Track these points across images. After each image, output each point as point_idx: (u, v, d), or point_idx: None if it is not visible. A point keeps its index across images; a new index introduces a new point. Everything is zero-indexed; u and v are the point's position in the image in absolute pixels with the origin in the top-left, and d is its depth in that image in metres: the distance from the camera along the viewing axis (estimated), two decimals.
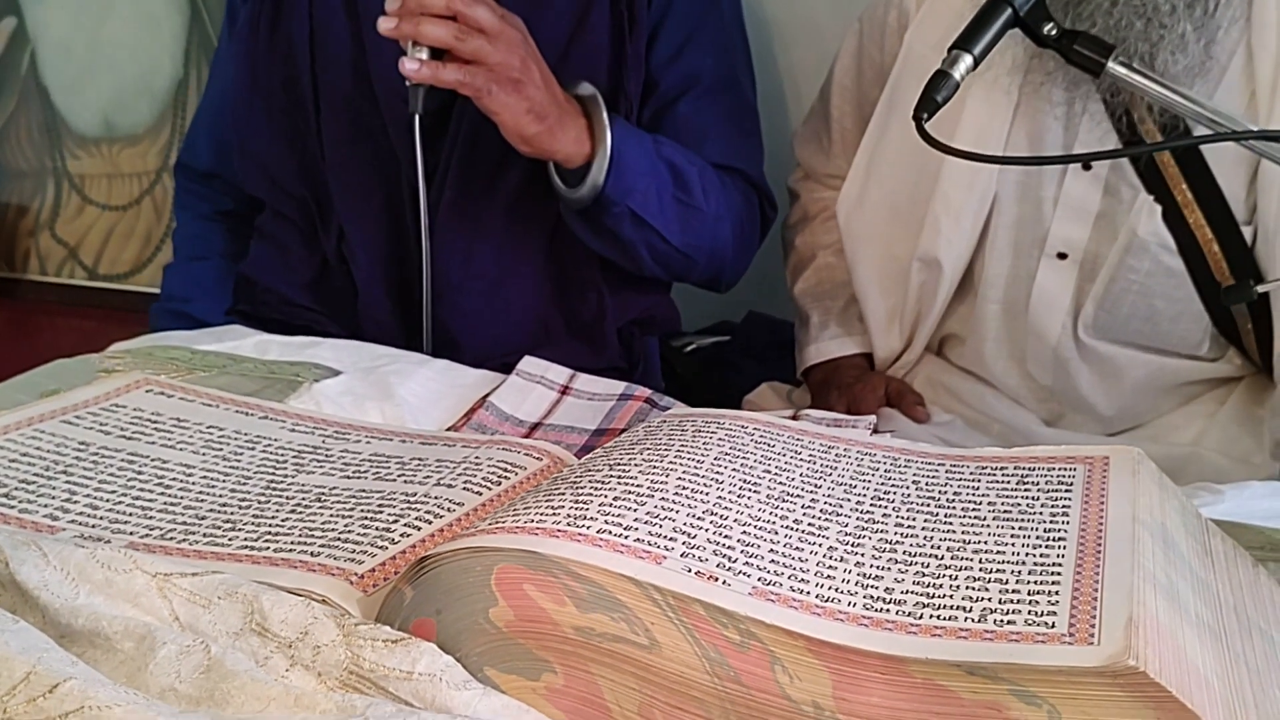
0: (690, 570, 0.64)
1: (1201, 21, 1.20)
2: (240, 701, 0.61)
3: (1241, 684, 0.62)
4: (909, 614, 0.63)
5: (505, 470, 0.86)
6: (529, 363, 1.13)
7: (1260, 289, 1.06)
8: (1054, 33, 1.01)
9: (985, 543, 0.69)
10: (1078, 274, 1.36)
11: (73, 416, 0.93)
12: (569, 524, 0.67)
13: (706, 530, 0.68)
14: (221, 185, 1.66)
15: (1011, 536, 0.70)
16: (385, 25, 1.28)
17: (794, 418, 0.99)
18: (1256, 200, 1.22)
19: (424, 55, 1.27)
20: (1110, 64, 1.00)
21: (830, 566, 0.67)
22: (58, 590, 0.67)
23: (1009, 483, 0.78)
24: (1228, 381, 1.35)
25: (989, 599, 0.64)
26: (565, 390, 1.11)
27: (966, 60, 0.98)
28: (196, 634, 0.65)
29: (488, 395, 1.08)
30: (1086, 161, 1.29)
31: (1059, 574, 0.65)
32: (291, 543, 0.75)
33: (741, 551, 0.67)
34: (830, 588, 0.65)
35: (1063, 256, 1.37)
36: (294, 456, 0.90)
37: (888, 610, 0.63)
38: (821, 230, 1.60)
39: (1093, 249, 1.35)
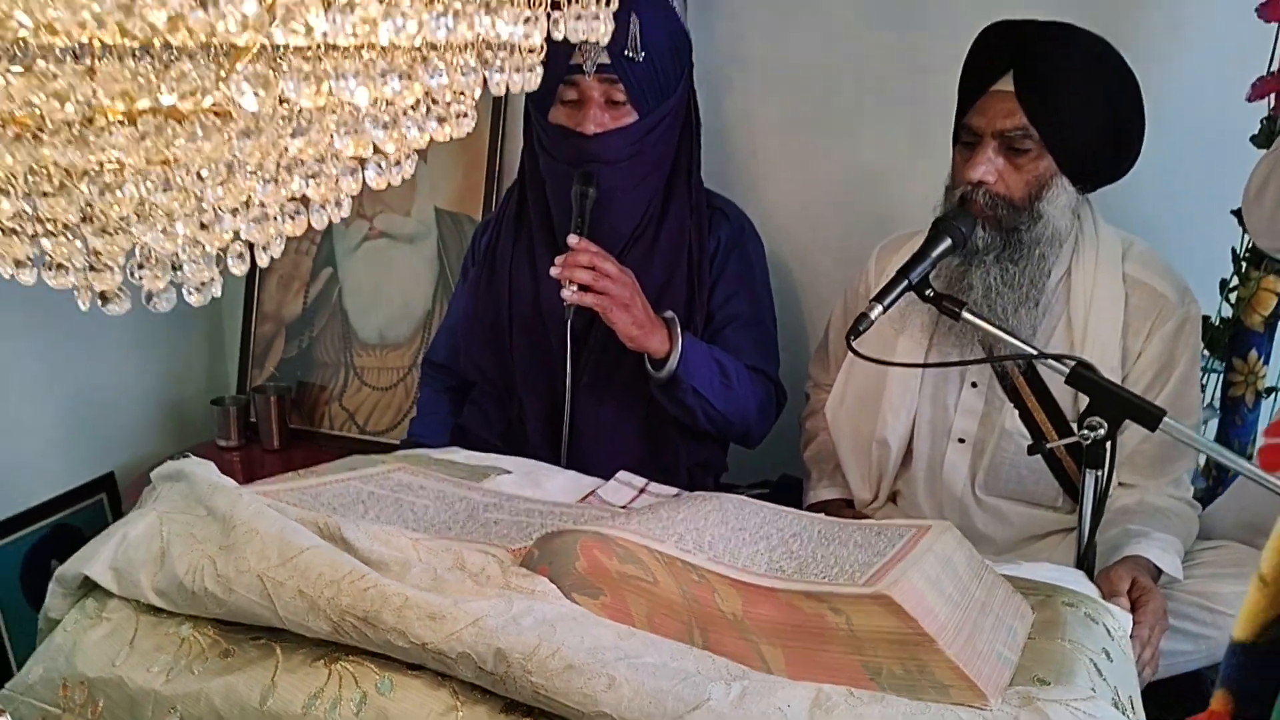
0: (677, 547, 0.93)
1: (1035, 300, 1.37)
2: (452, 591, 0.91)
3: (963, 626, 0.88)
4: (786, 574, 0.91)
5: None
6: (621, 474, 1.38)
7: (1048, 445, 1.27)
8: (931, 294, 1.29)
9: (842, 553, 0.96)
10: (971, 453, 1.49)
11: (367, 478, 1.26)
12: (619, 526, 0.97)
13: (690, 534, 0.97)
14: (449, 373, 1.82)
15: (857, 548, 0.97)
16: (554, 271, 1.47)
17: None
18: None
19: (575, 289, 1.47)
20: (963, 313, 1.26)
21: (752, 555, 0.95)
22: (361, 541, 0.99)
23: (870, 531, 1.03)
24: (1075, 528, 1.51)
25: (831, 573, 0.91)
26: (643, 490, 1.35)
27: (878, 308, 1.25)
28: (429, 565, 0.97)
29: (596, 490, 1.34)
30: (932, 367, 1.45)
31: (873, 566, 0.92)
32: (483, 536, 1.06)
33: (707, 543, 0.95)
34: (749, 562, 0.93)
35: (962, 441, 1.49)
36: (482, 507, 1.20)
37: (775, 573, 0.91)
38: (821, 420, 1.69)
39: (980, 436, 1.48)
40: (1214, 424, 1.67)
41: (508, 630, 0.84)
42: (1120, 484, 1.43)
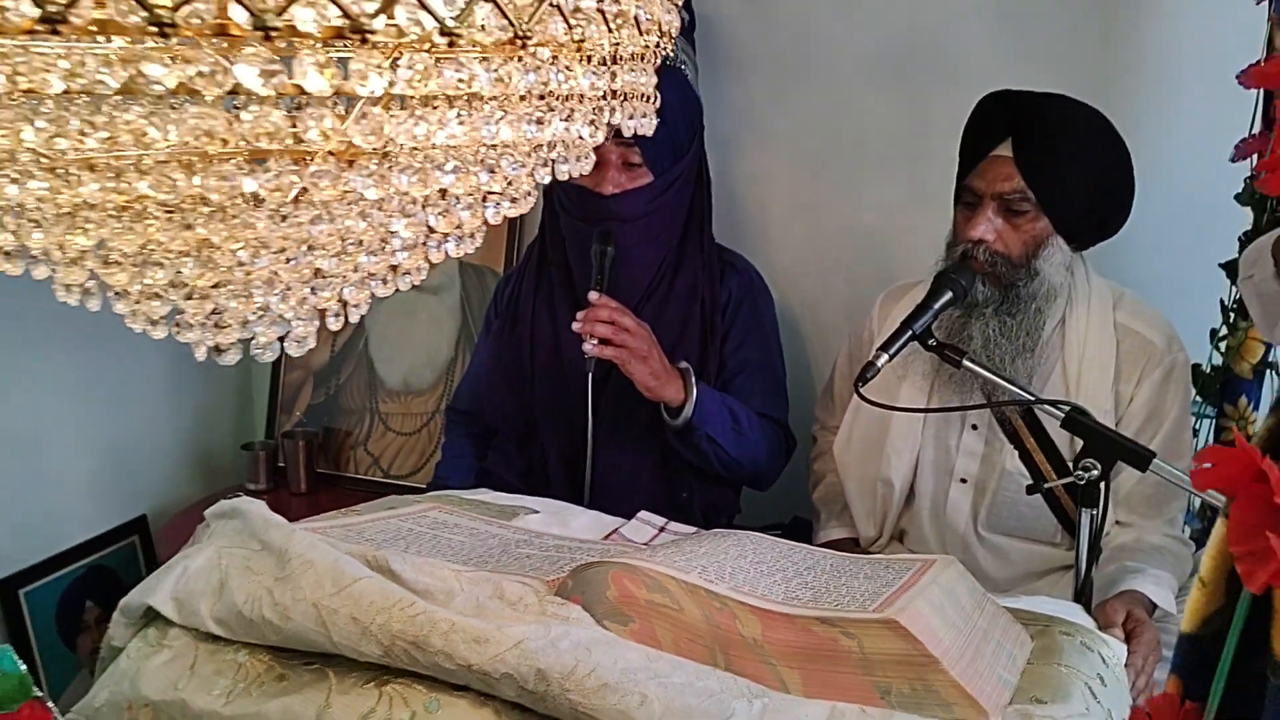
0: (701, 577, 1.01)
1: (1030, 349, 1.45)
2: (494, 617, 0.99)
3: (965, 650, 0.95)
4: (802, 602, 0.99)
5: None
6: (643, 514, 1.45)
7: (1046, 485, 1.35)
8: (933, 343, 1.37)
9: (854, 584, 1.04)
10: (974, 492, 1.55)
11: (405, 516, 1.34)
12: (646, 559, 1.05)
13: (713, 566, 1.04)
14: (472, 419, 1.90)
15: (867, 580, 1.05)
16: (576, 326, 1.56)
17: None
18: None
19: (595, 342, 1.55)
20: (964, 361, 1.35)
21: (770, 585, 1.03)
22: (408, 572, 1.06)
23: (879, 565, 1.11)
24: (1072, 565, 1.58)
25: (843, 601, 0.99)
26: (663, 529, 1.42)
27: (884, 357, 1.34)
28: (471, 594, 1.04)
29: (619, 529, 1.41)
30: (935, 412, 1.51)
31: (881, 595, 1.00)
32: (518, 569, 1.14)
33: (728, 574, 1.03)
34: (767, 591, 1.01)
35: (964, 481, 1.55)
36: (514, 543, 1.28)
37: (792, 601, 0.99)
38: (829, 462, 1.75)
39: (982, 477, 1.54)
40: None
41: (547, 652, 0.91)
42: (1118, 523, 1.50)
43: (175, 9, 0.40)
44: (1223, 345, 1.70)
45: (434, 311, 2.38)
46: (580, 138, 0.52)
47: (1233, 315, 1.68)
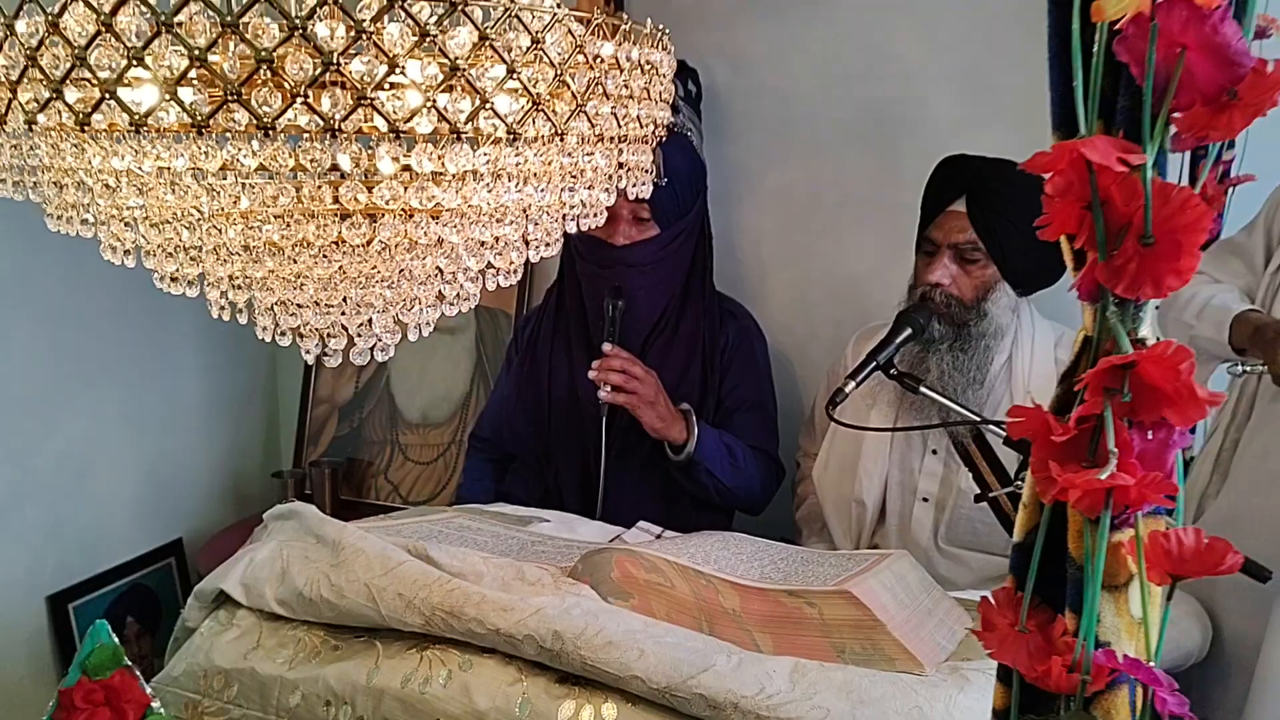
0: (690, 561, 1.20)
1: (980, 381, 1.63)
2: (517, 592, 1.18)
3: (909, 620, 1.14)
4: (773, 581, 1.17)
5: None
6: (642, 523, 1.63)
7: (991, 494, 1.53)
8: (894, 372, 1.57)
9: (819, 570, 1.23)
10: (934, 509, 1.71)
11: (434, 521, 1.53)
12: (644, 546, 1.24)
13: (700, 553, 1.23)
14: (493, 446, 2.05)
15: (830, 566, 1.24)
16: (591, 374, 1.72)
17: None
18: None
19: (609, 389, 1.71)
20: (921, 388, 1.54)
21: (748, 569, 1.21)
22: (444, 558, 1.25)
23: (842, 557, 1.30)
24: None
25: (808, 580, 1.18)
26: (659, 536, 1.59)
27: (851, 384, 1.53)
28: (497, 576, 1.23)
29: (621, 534, 1.59)
30: (898, 431, 1.68)
31: (840, 576, 1.18)
32: (536, 560, 1.33)
33: (713, 560, 1.22)
34: (745, 572, 1.19)
35: (925, 500, 1.70)
36: (530, 543, 1.47)
37: (765, 580, 1.18)
38: (810, 485, 1.88)
39: (941, 495, 1.70)
40: None
41: (562, 618, 1.10)
42: None
43: (335, 122, 0.61)
44: None
45: (451, 350, 2.58)
46: (597, 200, 0.73)
47: None
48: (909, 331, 1.59)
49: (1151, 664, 0.59)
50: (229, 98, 0.59)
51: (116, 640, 1.21)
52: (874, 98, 2.14)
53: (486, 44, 0.60)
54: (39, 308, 2.15)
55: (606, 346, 1.75)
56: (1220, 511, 1.53)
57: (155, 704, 1.25)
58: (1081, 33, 0.55)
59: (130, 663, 1.20)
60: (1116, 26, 0.53)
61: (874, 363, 1.55)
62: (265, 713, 1.20)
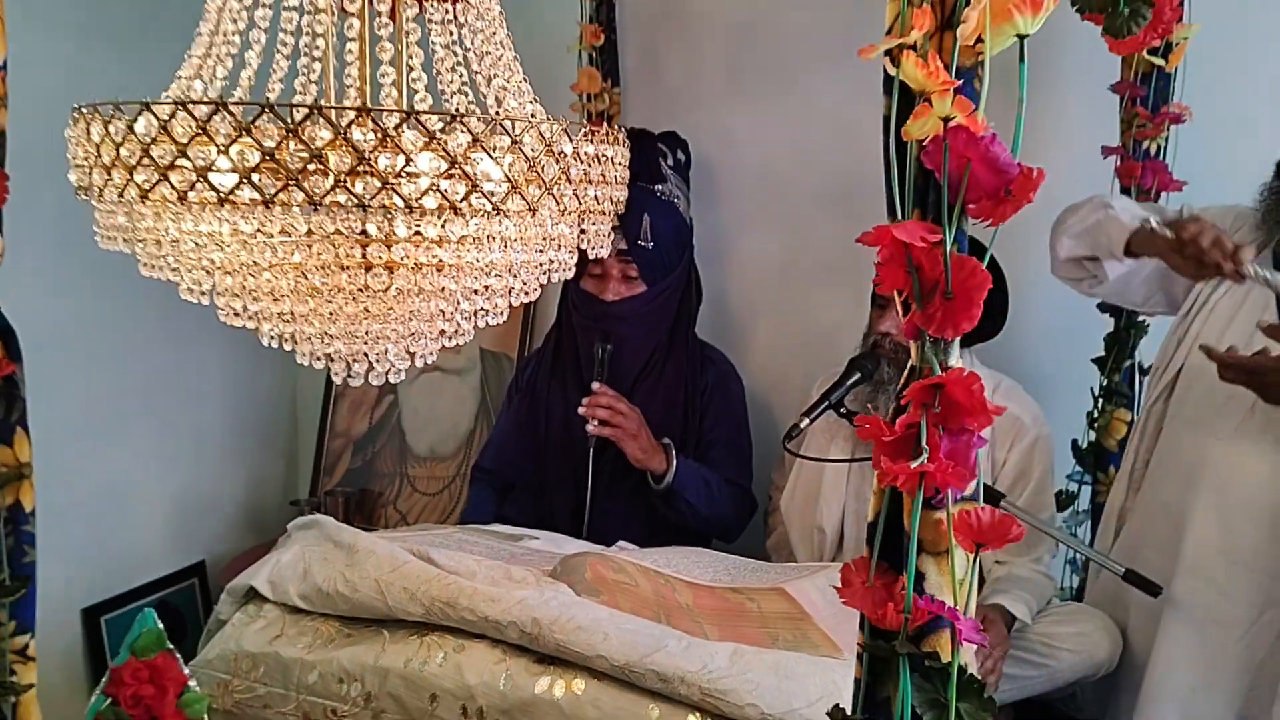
0: (653, 564, 1.40)
1: None
2: (504, 586, 1.37)
3: (836, 616, 1.33)
4: (722, 583, 1.37)
5: None
6: (621, 542, 1.80)
7: None
8: (844, 411, 1.77)
9: (764, 576, 1.43)
10: None
11: (436, 535, 1.74)
12: (616, 551, 1.43)
13: (662, 559, 1.44)
14: (494, 475, 2.20)
15: (775, 574, 1.44)
16: (581, 410, 1.91)
17: None
18: None
19: (596, 423, 1.90)
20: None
21: (702, 572, 1.41)
22: (443, 559, 1.45)
23: (788, 566, 1.50)
24: None
25: (752, 582, 1.38)
26: None
27: (806, 420, 1.73)
28: (488, 575, 1.43)
29: (603, 552, 1.81)
30: (848, 461, 1.85)
31: (780, 580, 1.38)
32: (522, 566, 1.53)
33: (673, 565, 1.42)
34: (699, 574, 1.39)
35: None
36: (519, 554, 1.67)
37: (716, 581, 1.38)
38: (780, 516, 2.06)
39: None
40: (1087, 525, 2.11)
41: (540, 607, 1.30)
42: (997, 561, 1.87)
43: (365, 200, 0.83)
44: (1095, 425, 2.09)
45: (458, 390, 2.78)
46: (565, 260, 0.94)
47: (1100, 401, 2.08)
48: (858, 375, 1.79)
49: (958, 609, 0.79)
50: (289, 182, 0.81)
51: (161, 627, 1.40)
52: (842, 170, 2.36)
53: (478, 144, 0.82)
54: (89, 353, 2.37)
55: (596, 385, 1.94)
56: (1131, 532, 1.72)
57: (192, 683, 1.44)
58: (899, 147, 0.76)
59: (172, 646, 1.39)
60: (924, 144, 0.75)
61: (826, 402, 1.75)
62: (287, 689, 1.40)
